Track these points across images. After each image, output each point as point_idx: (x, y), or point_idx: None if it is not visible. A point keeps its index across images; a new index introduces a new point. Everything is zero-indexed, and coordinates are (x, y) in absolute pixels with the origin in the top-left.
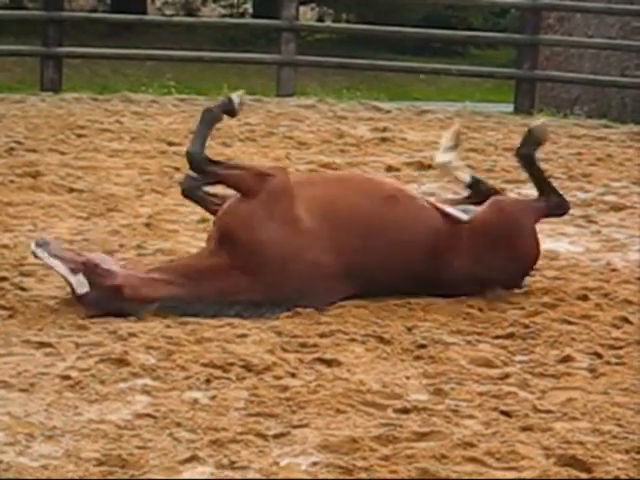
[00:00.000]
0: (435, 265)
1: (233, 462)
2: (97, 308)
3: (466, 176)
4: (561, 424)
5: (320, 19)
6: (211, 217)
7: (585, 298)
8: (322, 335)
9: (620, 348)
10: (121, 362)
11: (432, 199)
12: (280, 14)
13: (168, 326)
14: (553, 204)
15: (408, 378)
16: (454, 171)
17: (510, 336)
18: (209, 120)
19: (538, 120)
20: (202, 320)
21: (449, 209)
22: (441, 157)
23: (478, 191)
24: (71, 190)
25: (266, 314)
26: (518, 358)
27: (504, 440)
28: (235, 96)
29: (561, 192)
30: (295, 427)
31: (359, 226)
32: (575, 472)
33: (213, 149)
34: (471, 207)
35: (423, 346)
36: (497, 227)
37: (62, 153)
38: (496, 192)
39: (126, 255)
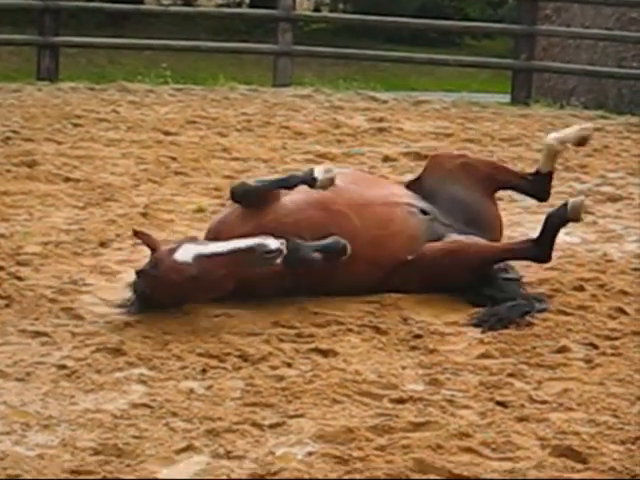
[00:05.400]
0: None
1: (229, 452)
2: None
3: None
4: (557, 415)
5: (317, 9)
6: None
7: (581, 289)
8: (318, 325)
9: (616, 339)
10: (117, 352)
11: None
12: (277, 4)
13: (164, 316)
14: (534, 252)
15: (404, 368)
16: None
17: (506, 326)
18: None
19: (577, 198)
20: (198, 310)
21: None
22: (553, 138)
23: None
24: (67, 179)
25: None
26: (514, 348)
27: (500, 430)
28: (319, 171)
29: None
30: (291, 417)
31: None
32: (571, 463)
33: (209, 139)
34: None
35: (419, 336)
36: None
37: (58, 142)
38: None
39: (122, 245)
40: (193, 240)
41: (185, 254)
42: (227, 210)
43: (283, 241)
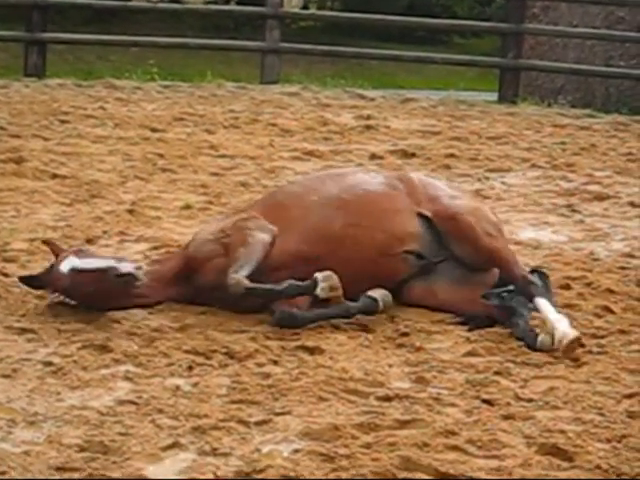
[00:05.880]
0: None
1: (215, 449)
2: None
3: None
4: (543, 413)
5: (305, 7)
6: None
7: (568, 287)
8: None
9: (602, 337)
10: (103, 349)
11: None
12: (265, 1)
13: (150, 313)
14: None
15: (390, 366)
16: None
17: (492, 324)
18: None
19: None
20: (185, 307)
21: None
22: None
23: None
24: (54, 176)
25: None
26: (500, 346)
27: (486, 428)
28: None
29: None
30: (277, 414)
31: None
32: (556, 461)
33: (197, 136)
34: None
35: (405, 334)
36: None
37: (45, 139)
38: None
39: (109, 242)
40: (80, 252)
41: (65, 265)
42: (208, 239)
43: (140, 265)
